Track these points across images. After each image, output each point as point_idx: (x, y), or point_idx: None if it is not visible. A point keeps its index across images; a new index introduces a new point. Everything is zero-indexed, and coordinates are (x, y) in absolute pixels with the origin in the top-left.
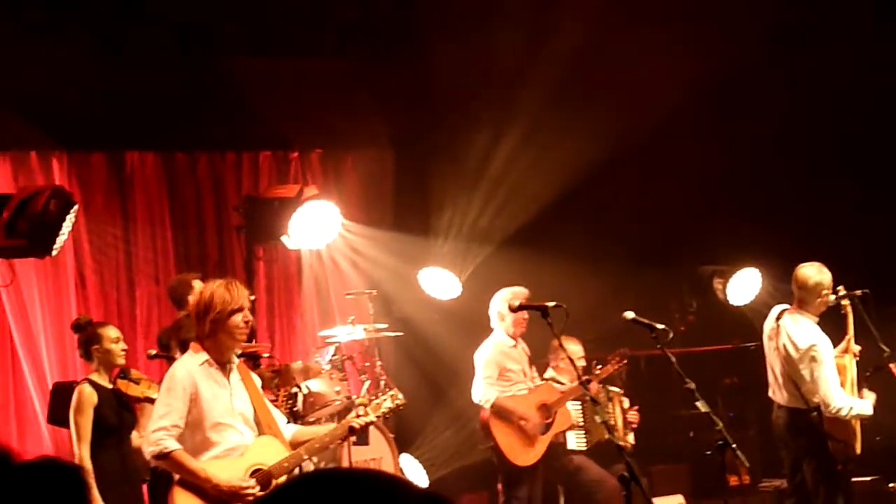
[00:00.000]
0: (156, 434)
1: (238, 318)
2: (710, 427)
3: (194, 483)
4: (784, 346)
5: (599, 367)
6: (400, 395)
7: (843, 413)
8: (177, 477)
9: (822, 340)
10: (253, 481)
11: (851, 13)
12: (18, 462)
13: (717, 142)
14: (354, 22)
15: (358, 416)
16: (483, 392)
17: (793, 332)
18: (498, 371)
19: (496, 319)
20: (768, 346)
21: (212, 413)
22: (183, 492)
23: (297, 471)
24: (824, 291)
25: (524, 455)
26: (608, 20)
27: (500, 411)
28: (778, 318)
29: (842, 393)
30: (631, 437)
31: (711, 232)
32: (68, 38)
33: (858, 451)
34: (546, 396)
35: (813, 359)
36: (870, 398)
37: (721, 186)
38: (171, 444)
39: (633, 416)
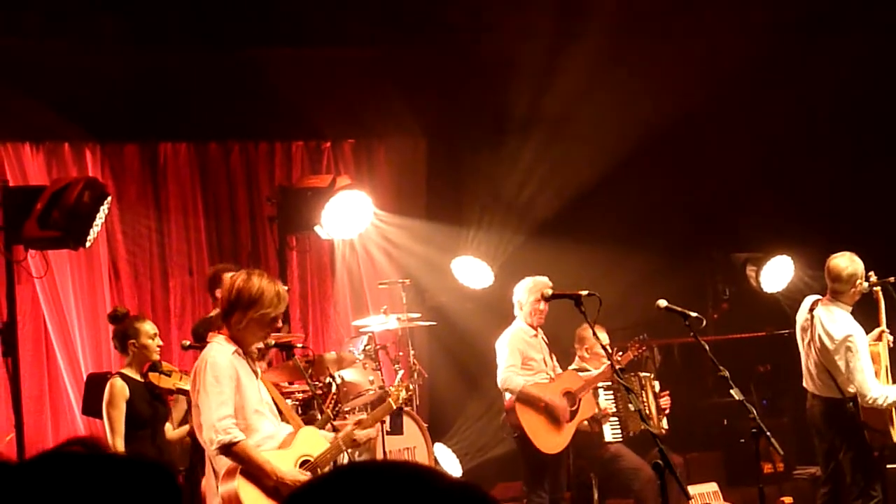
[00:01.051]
0: (224, 422)
1: (275, 325)
2: (744, 415)
3: (257, 474)
4: (819, 338)
5: (620, 353)
6: (411, 386)
7: (879, 402)
8: (222, 468)
9: (857, 331)
10: (308, 474)
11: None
12: (110, 455)
13: (750, 129)
14: (385, 9)
15: (359, 424)
16: (508, 379)
17: (828, 323)
18: (521, 359)
19: (516, 308)
20: (801, 337)
21: (250, 400)
22: (246, 482)
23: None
24: (858, 281)
25: (551, 442)
26: (639, 7)
27: (526, 398)
28: (811, 310)
29: (877, 383)
30: (665, 423)
31: (744, 219)
32: (100, 30)
33: None
34: (570, 384)
35: (849, 349)
36: None
37: (754, 174)
38: (240, 435)
39: (665, 401)
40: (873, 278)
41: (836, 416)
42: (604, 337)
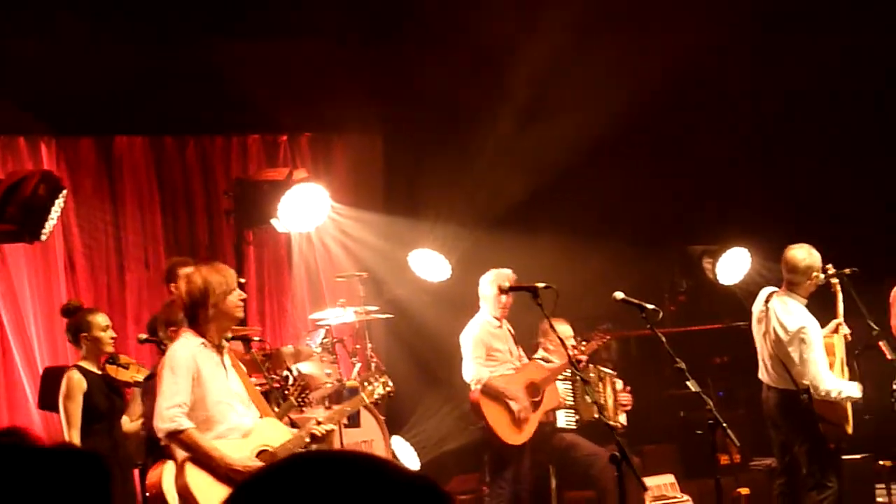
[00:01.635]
0: (171, 411)
1: (234, 298)
2: (701, 406)
3: (206, 462)
4: (774, 329)
5: (584, 343)
6: (390, 383)
7: (832, 396)
8: (180, 456)
9: (811, 323)
10: (261, 463)
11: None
12: (37, 446)
13: (706, 123)
14: (344, 5)
15: (318, 423)
16: (474, 372)
17: (782, 314)
18: (485, 350)
19: (482, 300)
20: (757, 328)
21: (213, 392)
22: (195, 469)
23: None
24: (814, 273)
25: (515, 434)
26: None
27: (489, 391)
28: (767, 301)
29: (831, 376)
30: (623, 419)
31: (701, 212)
32: (56, 23)
33: (850, 431)
34: (534, 375)
35: (802, 341)
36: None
37: (710, 167)
38: (186, 422)
39: (626, 397)
40: (831, 270)
41: (790, 407)
42: (566, 329)
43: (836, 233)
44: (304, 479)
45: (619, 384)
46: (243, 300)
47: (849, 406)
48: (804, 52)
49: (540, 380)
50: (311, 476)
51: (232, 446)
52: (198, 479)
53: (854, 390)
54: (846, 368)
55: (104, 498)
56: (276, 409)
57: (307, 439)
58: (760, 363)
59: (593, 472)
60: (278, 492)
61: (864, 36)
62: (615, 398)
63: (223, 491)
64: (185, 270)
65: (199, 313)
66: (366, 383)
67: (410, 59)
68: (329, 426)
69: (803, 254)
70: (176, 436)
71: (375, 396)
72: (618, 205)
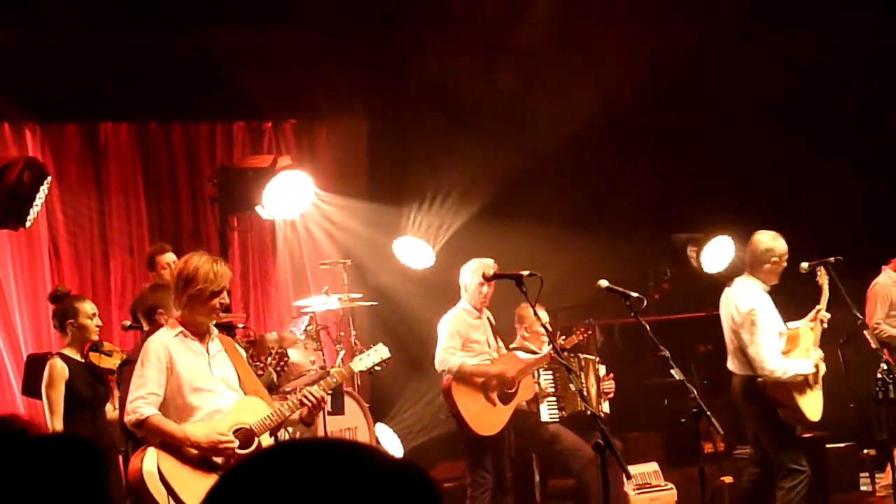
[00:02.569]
0: (133, 403)
1: (215, 301)
2: (685, 395)
3: (173, 444)
4: (731, 314)
5: (563, 337)
6: (385, 351)
7: (777, 375)
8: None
9: (762, 305)
10: (231, 435)
11: None
12: (32, 433)
13: (691, 111)
14: None
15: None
16: (445, 360)
17: (738, 296)
18: (461, 341)
19: (462, 290)
20: (722, 314)
21: (191, 379)
22: (163, 454)
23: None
24: (774, 258)
25: (487, 424)
26: None
27: (462, 379)
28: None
29: (776, 356)
30: (606, 406)
31: (685, 200)
32: (41, 10)
33: (812, 417)
34: (509, 367)
35: (752, 322)
36: (815, 356)
37: (695, 155)
38: (148, 410)
39: (609, 385)
40: (807, 264)
41: (750, 393)
42: (544, 316)
43: (820, 222)
44: (288, 467)
45: (602, 370)
46: (223, 304)
47: (818, 394)
48: (787, 39)
49: (516, 371)
50: (296, 463)
51: (200, 427)
52: (168, 463)
53: (804, 366)
54: (816, 357)
55: (99, 484)
56: None
57: (287, 413)
58: (727, 350)
59: (575, 467)
60: (262, 479)
61: (844, 30)
62: (598, 386)
63: (192, 473)
64: (164, 258)
65: (178, 297)
66: (357, 353)
67: (396, 46)
68: (319, 392)
69: (765, 238)
70: (141, 425)
71: (367, 365)
72: (602, 193)
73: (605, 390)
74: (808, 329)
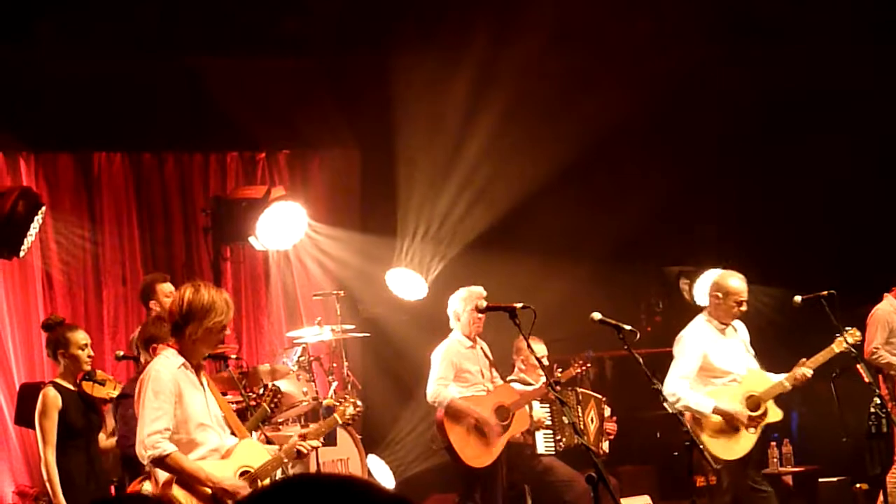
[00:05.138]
0: (152, 438)
1: (221, 335)
2: (677, 428)
3: (192, 483)
4: None
5: (560, 370)
6: (359, 403)
7: (671, 400)
8: (162, 477)
9: (692, 336)
10: (245, 483)
11: (809, 12)
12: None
13: (683, 143)
14: (321, 21)
15: (304, 438)
16: (437, 392)
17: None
18: (454, 371)
19: (453, 319)
20: None
21: (195, 414)
22: (182, 490)
23: (278, 474)
24: (718, 295)
25: (479, 457)
26: (571, 20)
27: (454, 412)
28: None
29: (677, 381)
30: (605, 446)
31: (678, 233)
32: (35, 39)
33: (724, 456)
34: (504, 398)
35: (679, 350)
36: (738, 408)
37: (687, 188)
38: (169, 447)
39: (612, 426)
40: (797, 298)
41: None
42: (541, 349)
43: (813, 255)
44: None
45: (608, 411)
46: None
47: (747, 437)
48: (771, 64)
49: (510, 403)
50: (296, 500)
51: (215, 467)
52: (185, 498)
53: (702, 404)
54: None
55: None
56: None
57: (285, 459)
58: None
59: (568, 499)
60: None
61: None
62: (601, 423)
63: None
64: (165, 287)
65: (188, 328)
66: (338, 403)
67: (387, 76)
68: (315, 442)
69: (718, 276)
70: (161, 461)
71: (347, 416)
72: (595, 225)
73: (608, 430)
74: (770, 381)
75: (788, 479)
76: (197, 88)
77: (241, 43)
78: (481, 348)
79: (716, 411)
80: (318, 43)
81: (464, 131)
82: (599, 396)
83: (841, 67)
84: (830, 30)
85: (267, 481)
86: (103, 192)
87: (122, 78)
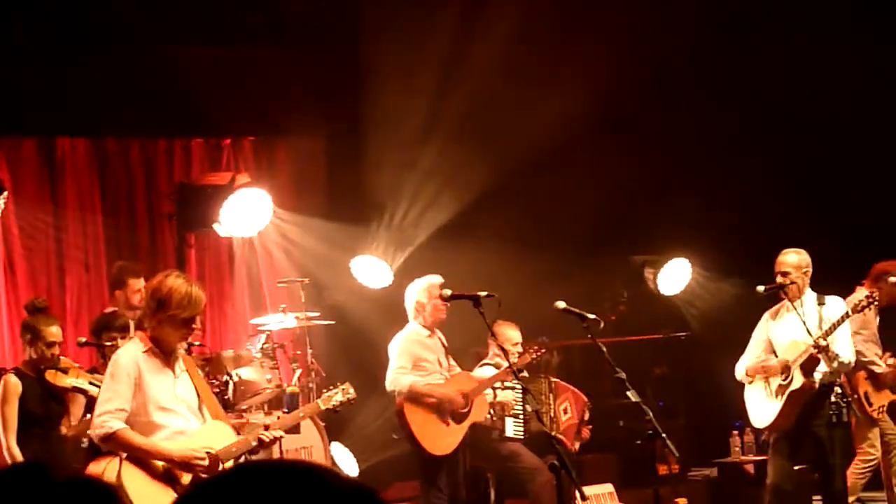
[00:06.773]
0: (100, 418)
1: (187, 328)
2: (641, 416)
3: (143, 458)
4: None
5: (517, 355)
6: (351, 390)
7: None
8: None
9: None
10: (204, 453)
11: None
12: (53, 480)
13: (650, 132)
14: (288, 9)
15: (266, 427)
16: (395, 380)
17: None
18: (412, 361)
19: (412, 309)
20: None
21: (156, 397)
22: (131, 466)
23: (243, 458)
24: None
25: (439, 444)
26: (540, 9)
27: (415, 399)
28: None
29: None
30: (577, 446)
31: (642, 222)
32: (2, 25)
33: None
34: (462, 386)
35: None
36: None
37: (651, 177)
38: (116, 424)
39: (587, 432)
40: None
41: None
42: (515, 335)
43: (777, 246)
44: (245, 489)
45: (587, 414)
46: (195, 329)
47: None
48: (748, 57)
49: (469, 390)
50: (252, 486)
51: (171, 444)
52: (132, 475)
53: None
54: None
55: None
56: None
57: (254, 443)
58: None
59: (532, 488)
60: (220, 501)
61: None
62: (578, 421)
63: (157, 488)
64: (138, 283)
65: (150, 316)
66: (324, 390)
67: (354, 63)
68: (278, 432)
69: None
70: (109, 439)
71: (334, 403)
72: (559, 214)
73: (583, 436)
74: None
75: (750, 468)
76: (163, 74)
77: (208, 31)
78: (439, 338)
79: None
80: (286, 31)
81: (431, 120)
82: (585, 399)
83: (805, 62)
84: (793, 23)
85: (230, 464)
86: (67, 177)
87: (86, 64)
